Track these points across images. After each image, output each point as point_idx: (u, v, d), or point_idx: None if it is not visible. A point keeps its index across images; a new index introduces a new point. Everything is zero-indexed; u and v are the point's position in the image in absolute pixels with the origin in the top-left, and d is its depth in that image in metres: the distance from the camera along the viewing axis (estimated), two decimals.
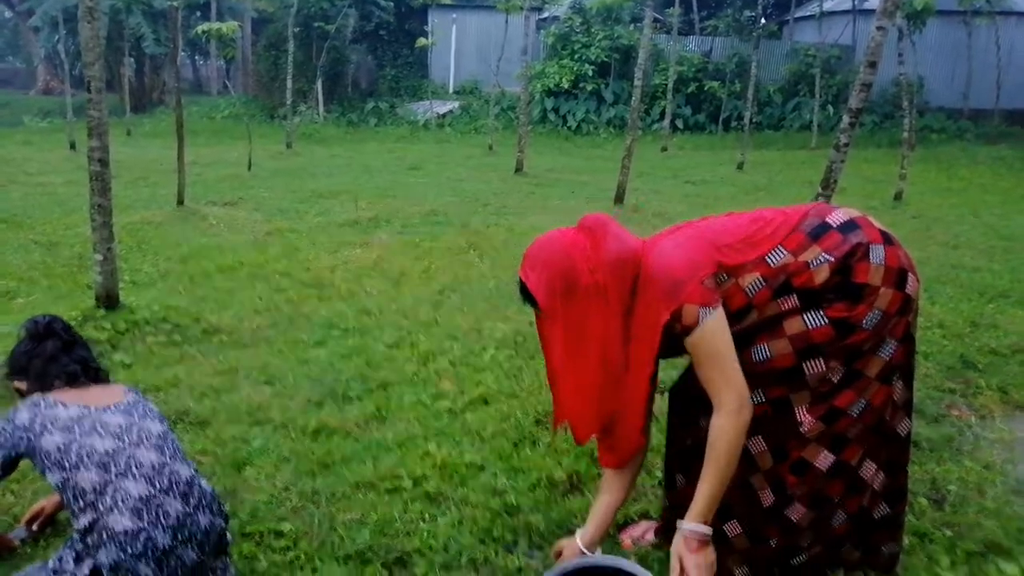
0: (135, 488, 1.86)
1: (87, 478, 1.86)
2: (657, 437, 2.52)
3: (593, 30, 18.46)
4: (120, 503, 1.84)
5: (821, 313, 1.82)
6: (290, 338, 4.05)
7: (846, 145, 4.39)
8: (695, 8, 20.19)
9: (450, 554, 2.22)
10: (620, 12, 18.26)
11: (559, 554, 2.05)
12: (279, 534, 2.29)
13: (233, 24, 10.84)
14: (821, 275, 1.81)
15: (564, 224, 1.99)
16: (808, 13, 20.57)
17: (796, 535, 1.97)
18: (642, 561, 2.03)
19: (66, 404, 1.99)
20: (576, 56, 18.27)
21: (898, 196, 9.24)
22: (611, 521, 2.08)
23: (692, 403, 2.02)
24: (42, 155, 12.53)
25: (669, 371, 2.37)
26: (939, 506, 2.52)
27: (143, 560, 1.81)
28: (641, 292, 1.82)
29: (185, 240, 6.32)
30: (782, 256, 1.83)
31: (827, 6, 18.14)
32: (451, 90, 21.06)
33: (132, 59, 19.81)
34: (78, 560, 1.89)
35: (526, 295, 1.84)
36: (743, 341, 1.82)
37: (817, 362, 1.83)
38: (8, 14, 30.65)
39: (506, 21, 14.84)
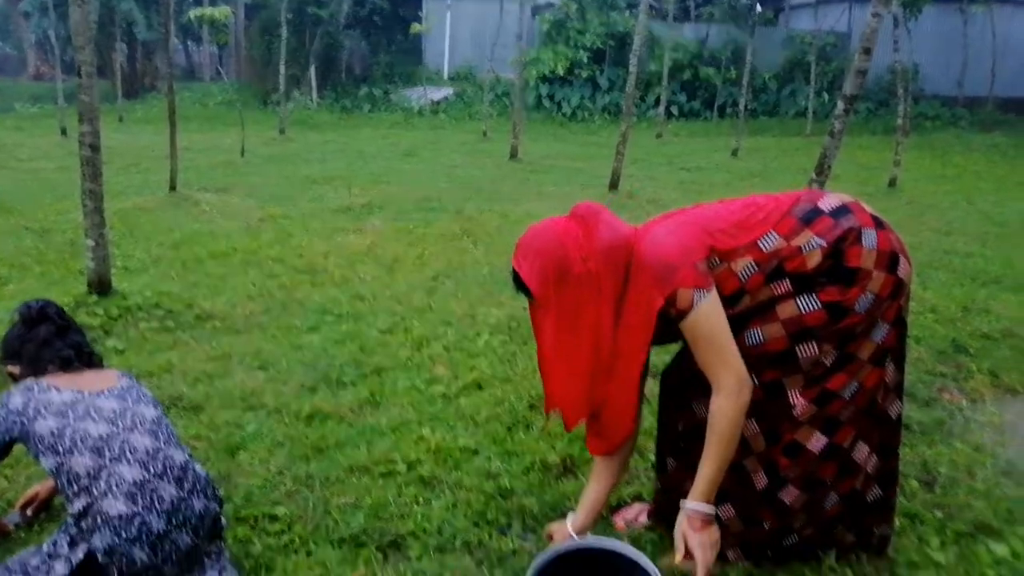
0: (129, 473, 1.86)
1: (81, 463, 1.86)
2: (649, 420, 2.53)
3: (588, 16, 18.39)
4: (114, 487, 1.84)
5: (814, 297, 1.82)
6: (283, 324, 4.05)
7: (840, 132, 4.38)
8: None
9: (444, 537, 2.23)
10: None
11: (551, 537, 2.07)
12: (273, 518, 2.30)
13: (226, 9, 10.78)
14: (813, 259, 1.82)
15: (558, 210, 2.00)
16: (804, 0, 20.52)
17: (789, 517, 1.99)
18: (635, 543, 2.04)
19: (60, 389, 1.99)
20: (571, 42, 18.21)
21: (892, 183, 9.26)
22: (602, 508, 2.09)
23: (684, 387, 2.03)
24: (33, 141, 12.46)
25: (662, 355, 2.37)
26: (930, 488, 2.54)
27: (137, 544, 1.81)
28: (634, 279, 1.82)
29: (178, 226, 6.29)
30: (774, 241, 1.83)
31: None
32: (445, 76, 20.96)
33: (124, 45, 19.64)
34: (72, 544, 1.89)
35: (519, 284, 1.84)
36: (736, 325, 1.83)
37: (810, 345, 1.84)
38: None
39: (501, 7, 14.76)
